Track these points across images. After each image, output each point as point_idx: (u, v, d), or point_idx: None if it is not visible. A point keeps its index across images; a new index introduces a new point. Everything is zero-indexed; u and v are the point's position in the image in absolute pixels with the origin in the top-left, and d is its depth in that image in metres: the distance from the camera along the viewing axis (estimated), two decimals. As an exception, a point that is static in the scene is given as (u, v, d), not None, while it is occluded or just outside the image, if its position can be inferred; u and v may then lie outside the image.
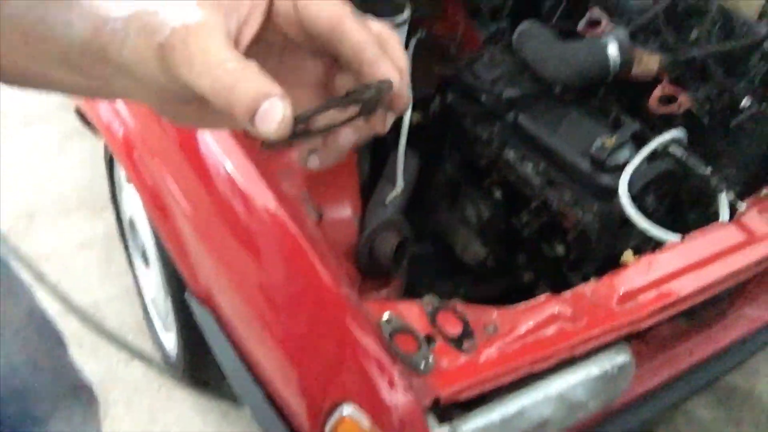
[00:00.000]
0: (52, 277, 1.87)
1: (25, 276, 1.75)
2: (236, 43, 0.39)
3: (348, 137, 0.42)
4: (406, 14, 1.31)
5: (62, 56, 0.40)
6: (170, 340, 1.54)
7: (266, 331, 0.99)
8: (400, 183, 1.29)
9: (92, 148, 2.06)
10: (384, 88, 0.40)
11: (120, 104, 1.23)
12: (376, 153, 1.38)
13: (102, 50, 0.38)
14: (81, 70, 0.40)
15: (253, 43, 0.41)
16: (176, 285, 1.27)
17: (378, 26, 0.41)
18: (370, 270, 1.20)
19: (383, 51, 0.40)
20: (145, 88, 0.39)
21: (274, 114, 0.35)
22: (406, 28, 1.33)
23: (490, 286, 1.49)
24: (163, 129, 1.16)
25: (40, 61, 0.41)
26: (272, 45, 0.43)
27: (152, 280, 1.52)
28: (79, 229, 2.03)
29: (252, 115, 0.36)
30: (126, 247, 1.68)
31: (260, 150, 0.42)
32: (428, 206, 1.52)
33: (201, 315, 1.14)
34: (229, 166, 1.04)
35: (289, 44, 0.43)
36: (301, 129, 0.38)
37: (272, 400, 1.02)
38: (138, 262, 1.62)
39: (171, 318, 1.43)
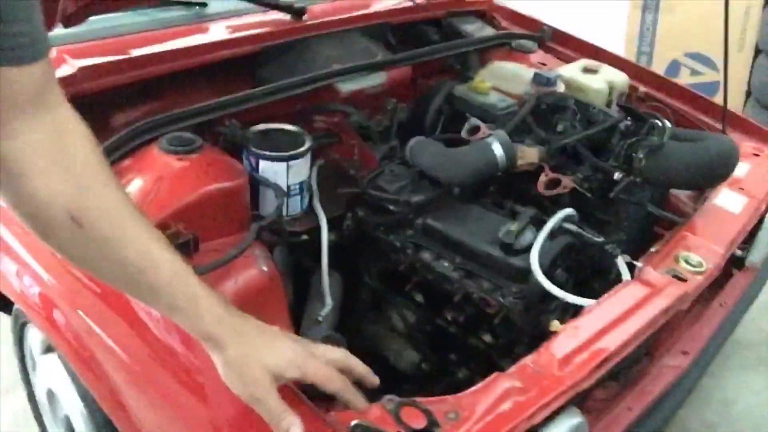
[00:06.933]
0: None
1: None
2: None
3: None
4: (307, 144, 1.40)
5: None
6: None
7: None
8: (328, 301, 1.31)
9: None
10: None
11: (34, 264, 1.20)
12: (296, 280, 1.40)
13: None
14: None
15: None
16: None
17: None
18: (315, 390, 1.18)
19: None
20: None
21: None
22: (309, 157, 1.41)
23: (431, 391, 1.49)
24: (77, 278, 1.13)
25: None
26: None
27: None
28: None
29: None
30: (41, 427, 1.55)
31: None
32: (355, 322, 1.54)
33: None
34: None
35: None
36: None
37: None
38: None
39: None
